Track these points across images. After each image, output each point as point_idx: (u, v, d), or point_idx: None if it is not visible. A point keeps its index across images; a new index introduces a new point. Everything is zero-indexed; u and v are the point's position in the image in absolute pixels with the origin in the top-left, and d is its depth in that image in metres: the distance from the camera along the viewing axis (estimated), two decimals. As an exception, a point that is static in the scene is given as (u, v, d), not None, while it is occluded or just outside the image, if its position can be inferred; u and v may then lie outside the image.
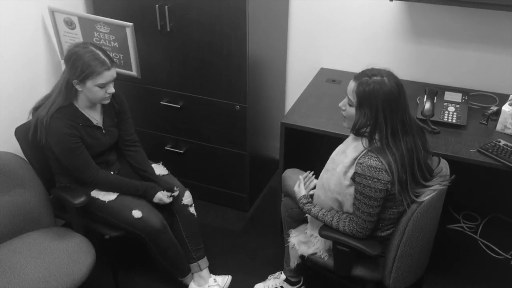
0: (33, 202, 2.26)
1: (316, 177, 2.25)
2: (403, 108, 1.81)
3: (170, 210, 2.43)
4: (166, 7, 2.55)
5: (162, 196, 2.34)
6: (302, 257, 2.16)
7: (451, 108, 2.46)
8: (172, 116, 2.92)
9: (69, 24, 2.52)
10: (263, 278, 2.57)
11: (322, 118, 2.49)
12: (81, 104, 2.22)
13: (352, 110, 1.85)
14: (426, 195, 1.82)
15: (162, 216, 2.33)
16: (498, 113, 2.40)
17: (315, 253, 2.10)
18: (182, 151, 3.02)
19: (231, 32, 2.51)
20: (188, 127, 2.93)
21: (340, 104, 1.92)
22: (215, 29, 2.54)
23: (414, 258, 1.96)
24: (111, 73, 2.14)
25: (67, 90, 2.16)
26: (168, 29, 2.61)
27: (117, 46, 2.49)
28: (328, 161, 2.00)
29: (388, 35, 2.82)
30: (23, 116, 2.31)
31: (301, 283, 2.46)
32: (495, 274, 2.62)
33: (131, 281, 2.60)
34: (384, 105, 1.76)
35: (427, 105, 2.42)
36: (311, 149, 3.03)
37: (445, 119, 2.42)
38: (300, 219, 2.24)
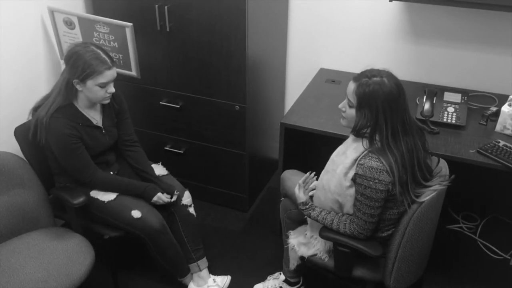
0: (32, 202, 2.26)
1: (316, 178, 2.25)
2: (403, 109, 1.81)
3: (170, 210, 2.43)
4: (166, 7, 2.55)
5: (161, 196, 2.34)
6: (302, 258, 2.16)
7: (451, 109, 2.46)
8: (172, 116, 2.92)
9: (69, 24, 2.52)
10: (262, 278, 2.57)
11: (321, 118, 2.49)
12: (80, 104, 2.22)
13: (352, 111, 1.85)
14: (427, 195, 1.82)
15: (162, 216, 2.33)
16: (497, 113, 2.40)
17: (315, 254, 2.09)
18: (182, 151, 3.02)
19: (231, 32, 2.51)
20: (188, 128, 2.93)
21: (340, 106, 1.92)
22: (214, 29, 2.54)
23: (414, 258, 1.96)
24: (111, 73, 2.14)
25: (67, 90, 2.16)
26: (168, 29, 2.61)
27: (116, 46, 2.49)
28: (328, 162, 2.00)
29: (388, 36, 2.82)
30: (23, 116, 2.31)
31: (300, 283, 2.46)
32: (494, 275, 2.62)
33: (130, 281, 2.60)
34: (384, 105, 1.76)
35: (427, 106, 2.42)
36: (310, 150, 3.03)
37: (445, 120, 2.42)
38: (299, 220, 2.24)
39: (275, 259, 2.62)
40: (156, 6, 2.57)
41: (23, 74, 2.50)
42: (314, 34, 3.00)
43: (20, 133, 2.29)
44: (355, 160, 1.84)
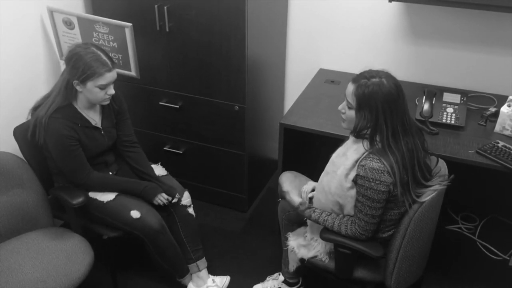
0: (31, 202, 2.25)
1: (315, 180, 2.25)
2: (403, 109, 1.81)
3: (169, 210, 2.43)
4: (165, 7, 2.55)
5: (162, 196, 2.34)
6: (302, 260, 2.15)
7: (450, 109, 2.46)
8: (171, 116, 2.92)
9: (68, 24, 2.52)
10: (261, 279, 2.57)
11: (321, 118, 2.49)
12: (80, 104, 2.22)
13: (351, 113, 1.84)
14: (427, 195, 1.82)
15: (161, 216, 2.33)
16: (496, 114, 2.41)
17: (315, 256, 2.09)
18: (181, 152, 3.02)
19: (230, 32, 2.51)
20: (187, 128, 2.93)
21: (339, 108, 1.92)
22: (214, 30, 2.54)
23: (415, 258, 1.96)
24: (112, 75, 2.14)
25: (66, 90, 2.16)
26: (167, 29, 2.61)
27: (116, 46, 2.49)
28: (328, 164, 1.99)
29: (387, 36, 2.83)
30: (22, 116, 2.30)
31: (299, 284, 2.46)
32: (493, 275, 2.62)
33: (129, 281, 2.59)
34: (384, 106, 1.76)
35: (426, 106, 2.42)
36: (310, 150, 3.03)
37: (444, 120, 2.42)
38: (298, 222, 2.23)
39: (274, 259, 2.62)
40: (156, 6, 2.57)
41: (22, 74, 2.50)
42: (313, 35, 3.00)
43: (20, 133, 2.29)
44: (356, 161, 1.84)
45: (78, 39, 2.53)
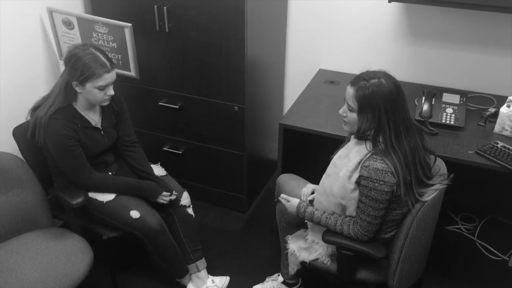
0: (30, 203, 2.25)
1: (313, 181, 2.25)
2: (404, 108, 1.81)
3: (168, 211, 2.43)
4: (165, 7, 2.55)
5: (164, 198, 2.35)
6: (303, 263, 2.14)
7: (449, 110, 2.47)
8: (171, 116, 2.92)
9: (68, 24, 2.52)
10: (261, 279, 2.57)
11: (320, 119, 2.49)
12: (80, 105, 2.22)
13: (353, 116, 1.84)
14: (429, 195, 1.83)
15: (160, 216, 2.33)
16: (496, 114, 2.41)
17: (316, 259, 2.08)
18: (181, 152, 3.02)
19: (230, 33, 2.51)
20: (187, 128, 2.93)
21: (340, 111, 1.91)
22: (214, 30, 2.54)
23: (416, 258, 1.97)
24: (111, 76, 2.14)
25: (66, 91, 2.16)
26: (167, 30, 2.61)
27: (115, 46, 2.49)
28: (329, 166, 1.98)
29: (387, 37, 2.83)
30: (22, 116, 2.30)
31: (299, 284, 2.46)
32: (493, 276, 2.62)
33: (129, 281, 2.59)
34: (386, 106, 1.76)
35: (425, 107, 2.42)
36: (309, 150, 3.03)
37: (443, 121, 2.42)
38: (296, 224, 2.23)
39: (274, 260, 2.62)
40: (155, 6, 2.57)
41: (22, 74, 2.50)
42: (313, 35, 3.00)
43: (19, 133, 2.28)
44: (359, 162, 1.83)
45: (78, 39, 2.53)
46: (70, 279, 2.01)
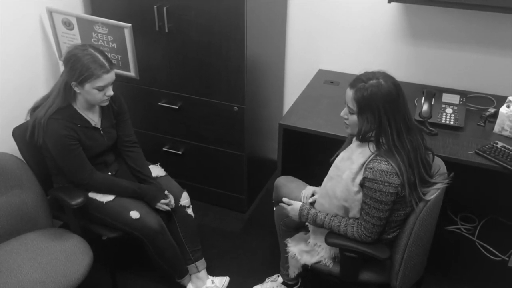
0: (30, 203, 2.25)
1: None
2: (404, 107, 1.81)
3: (168, 211, 2.42)
4: (165, 8, 2.55)
5: (163, 206, 2.36)
6: (304, 266, 2.13)
7: (449, 110, 2.47)
8: (170, 117, 2.92)
9: (67, 24, 2.52)
10: (261, 279, 2.57)
11: (320, 119, 2.49)
12: (79, 105, 2.22)
13: (354, 118, 1.83)
14: (432, 194, 1.83)
15: (160, 217, 2.33)
16: (495, 115, 2.41)
17: (319, 262, 2.07)
18: (180, 152, 3.02)
19: (230, 33, 2.51)
20: (186, 128, 2.93)
21: (341, 114, 1.91)
22: (213, 30, 2.54)
23: (419, 257, 1.97)
24: (110, 76, 2.13)
25: (65, 91, 2.16)
26: (167, 30, 2.61)
27: (115, 47, 2.49)
28: (331, 169, 1.98)
29: (386, 37, 2.83)
30: (21, 117, 2.30)
31: (298, 284, 2.46)
32: (493, 276, 2.62)
33: (128, 282, 2.59)
34: (386, 107, 1.76)
35: (425, 107, 2.42)
36: (309, 150, 3.03)
37: (443, 121, 2.42)
38: (296, 227, 2.22)
39: (273, 260, 2.61)
40: (155, 6, 2.57)
41: (22, 74, 2.50)
42: (313, 35, 3.00)
43: (19, 133, 2.28)
44: (362, 164, 1.83)
45: (77, 40, 2.53)
46: (70, 279, 2.01)
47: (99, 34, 2.48)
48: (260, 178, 3.25)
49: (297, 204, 2.06)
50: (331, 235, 1.96)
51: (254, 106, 2.84)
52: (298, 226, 2.21)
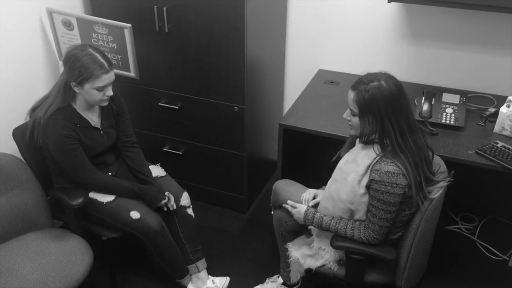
0: (30, 203, 2.25)
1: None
2: (406, 108, 1.80)
3: (168, 211, 2.42)
4: (164, 8, 2.55)
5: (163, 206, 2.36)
6: (308, 270, 2.11)
7: (449, 110, 2.47)
8: (170, 117, 2.92)
9: (67, 25, 2.52)
10: (261, 279, 2.57)
11: (320, 119, 2.49)
12: (79, 105, 2.22)
13: (357, 120, 1.83)
14: (436, 192, 1.84)
15: (160, 217, 2.33)
16: (495, 114, 2.41)
17: (323, 265, 2.06)
18: (180, 153, 3.02)
19: (230, 34, 2.51)
20: (186, 129, 2.93)
21: (344, 115, 1.91)
22: (213, 31, 2.54)
23: (423, 255, 1.98)
24: (109, 76, 2.13)
25: (65, 91, 2.15)
26: (167, 30, 2.61)
27: (115, 47, 2.49)
28: (335, 171, 1.97)
29: (386, 37, 2.83)
30: (21, 117, 2.30)
31: (299, 285, 2.45)
32: (493, 276, 2.62)
33: (128, 282, 2.59)
34: (387, 108, 1.76)
35: (425, 107, 2.42)
36: (309, 151, 3.03)
37: (443, 121, 2.42)
38: (296, 231, 2.21)
39: (274, 260, 2.61)
40: (155, 7, 2.57)
41: (21, 75, 2.50)
42: (312, 35, 3.00)
43: (19, 134, 2.28)
44: (368, 166, 1.83)
45: (78, 40, 2.53)
46: (70, 280, 2.01)
47: (99, 35, 2.48)
48: (260, 178, 3.25)
49: (302, 208, 2.05)
50: (337, 238, 1.95)
51: (254, 106, 2.84)
52: (298, 230, 2.20)
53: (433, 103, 2.46)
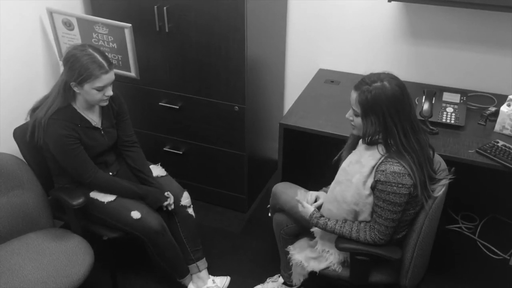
0: (31, 203, 2.25)
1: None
2: (409, 108, 1.80)
3: (169, 211, 2.42)
4: (165, 8, 2.55)
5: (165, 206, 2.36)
6: (312, 273, 2.10)
7: (450, 109, 2.47)
8: (171, 117, 2.92)
9: (68, 25, 2.52)
10: (262, 279, 2.57)
11: (320, 119, 2.49)
12: (79, 105, 2.22)
13: (359, 120, 1.83)
14: (438, 191, 1.84)
15: (161, 217, 2.33)
16: (496, 113, 2.41)
17: (327, 267, 2.05)
18: (181, 152, 3.02)
19: (230, 34, 2.51)
20: (187, 128, 2.93)
21: (347, 115, 1.90)
22: (213, 31, 2.54)
23: (426, 254, 1.99)
24: (109, 76, 2.13)
25: (65, 91, 2.15)
26: (167, 30, 2.61)
27: (115, 47, 2.49)
28: (339, 173, 1.96)
29: (386, 36, 2.83)
30: (22, 117, 2.30)
31: (299, 284, 2.45)
32: (494, 275, 2.62)
33: (129, 282, 2.59)
34: (390, 109, 1.75)
35: (426, 106, 2.42)
36: (309, 150, 3.03)
37: (444, 120, 2.42)
38: (296, 234, 2.21)
39: (274, 260, 2.61)
40: (155, 7, 2.57)
41: (22, 75, 2.50)
42: (313, 35, 3.00)
43: (19, 134, 2.28)
44: (373, 167, 1.82)
45: (78, 40, 2.53)
46: (71, 279, 2.01)
47: (99, 34, 2.48)
48: (260, 178, 3.25)
49: (308, 209, 2.02)
50: (342, 240, 1.94)
51: (255, 106, 2.84)
52: (299, 233, 2.20)
53: (433, 102, 2.46)
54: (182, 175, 2.92)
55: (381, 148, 1.83)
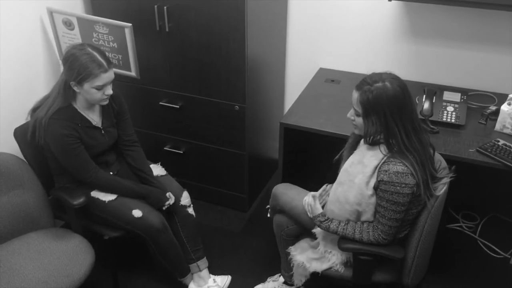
0: (32, 203, 2.25)
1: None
2: (411, 108, 1.80)
3: (169, 210, 2.43)
4: (165, 7, 2.55)
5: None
6: (314, 273, 2.09)
7: (450, 108, 2.47)
8: (171, 116, 2.92)
9: (68, 24, 2.52)
10: (262, 278, 2.57)
11: (321, 118, 2.49)
12: (79, 105, 2.22)
13: (361, 120, 1.83)
14: (440, 190, 1.84)
15: (162, 216, 2.33)
16: (496, 112, 2.41)
17: (329, 268, 2.05)
18: (181, 152, 3.02)
19: (230, 33, 2.51)
20: (187, 128, 2.93)
21: (348, 115, 1.90)
22: (214, 30, 2.54)
23: (428, 252, 1.99)
24: (108, 75, 2.13)
25: (65, 91, 2.16)
26: (167, 30, 2.61)
27: (116, 46, 2.49)
28: (341, 174, 1.96)
29: (387, 35, 2.83)
30: (22, 117, 2.30)
31: (300, 284, 2.45)
32: (494, 274, 2.62)
33: (130, 281, 2.60)
34: (391, 109, 1.75)
35: (426, 105, 2.42)
36: (310, 149, 3.03)
37: (444, 119, 2.42)
38: (297, 235, 2.21)
39: (275, 259, 2.61)
40: (155, 6, 2.57)
41: (22, 75, 2.50)
42: (313, 34, 3.00)
43: (20, 134, 2.29)
44: (376, 167, 1.82)
45: (78, 40, 2.53)
46: (72, 279, 2.02)
47: (99, 34, 2.48)
48: (261, 177, 3.25)
49: (316, 210, 2.01)
50: (344, 240, 1.94)
51: (255, 105, 2.84)
52: (299, 234, 2.20)
53: (434, 101, 2.46)
54: (183, 175, 2.92)
55: (383, 148, 1.82)
